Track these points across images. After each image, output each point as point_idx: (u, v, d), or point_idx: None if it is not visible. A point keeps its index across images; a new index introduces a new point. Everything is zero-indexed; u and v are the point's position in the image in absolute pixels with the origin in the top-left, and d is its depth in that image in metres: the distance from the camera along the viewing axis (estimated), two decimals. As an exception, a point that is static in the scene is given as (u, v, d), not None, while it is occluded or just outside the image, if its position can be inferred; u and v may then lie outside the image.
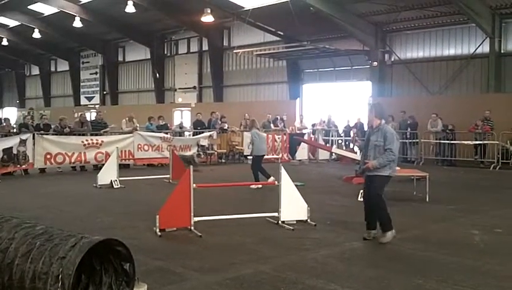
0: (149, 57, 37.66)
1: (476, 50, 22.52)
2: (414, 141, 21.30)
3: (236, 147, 20.93)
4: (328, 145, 22.14)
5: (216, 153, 20.13)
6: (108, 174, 13.26)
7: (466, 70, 22.97)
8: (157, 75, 36.98)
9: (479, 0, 20.95)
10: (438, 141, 20.65)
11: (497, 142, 18.66)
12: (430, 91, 23.94)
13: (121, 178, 13.35)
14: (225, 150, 20.63)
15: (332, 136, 23.73)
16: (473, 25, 21.98)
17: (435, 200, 10.97)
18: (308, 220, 8.71)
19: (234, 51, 29.20)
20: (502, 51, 21.85)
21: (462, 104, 21.02)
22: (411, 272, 6.23)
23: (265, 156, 20.37)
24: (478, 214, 9.99)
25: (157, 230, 7.87)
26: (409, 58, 25.00)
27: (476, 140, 19.30)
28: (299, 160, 20.41)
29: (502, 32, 21.76)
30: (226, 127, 21.16)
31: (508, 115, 19.12)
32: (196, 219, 8.10)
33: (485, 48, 22.08)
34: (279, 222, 8.57)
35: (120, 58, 41.31)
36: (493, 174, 17.30)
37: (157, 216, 7.88)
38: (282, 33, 28.83)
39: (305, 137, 22.18)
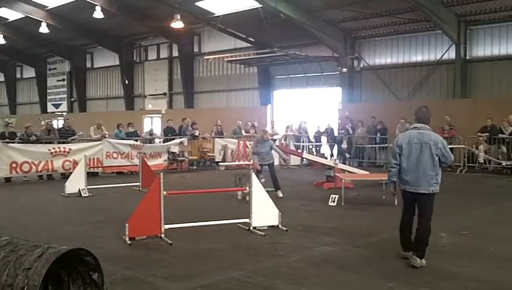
0: (118, 63, 37.33)
1: (442, 56, 22.94)
2: (384, 145, 21.53)
3: (208, 153, 20.85)
4: (299, 151, 22.22)
5: (187, 160, 20.01)
6: (76, 183, 13.05)
7: (433, 76, 23.37)
8: (127, 81, 36.65)
9: (445, 7, 21.35)
10: (406, 146, 20.88)
11: (463, 146, 18.99)
12: (399, 97, 24.27)
13: (89, 187, 13.15)
14: (196, 157, 20.52)
15: (303, 142, 23.83)
16: (440, 31, 22.38)
17: (404, 204, 11.08)
18: (280, 226, 8.73)
19: (205, 57, 29.14)
20: (468, 57, 22.29)
21: (430, 109, 21.30)
22: (381, 275, 6.29)
23: (237, 163, 20.56)
24: (445, 216, 10.12)
25: (127, 239, 7.78)
26: (378, 65, 25.33)
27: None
28: (270, 166, 20.41)
29: (467, 38, 22.21)
30: (197, 134, 21.06)
31: (473, 119, 19.48)
32: (167, 226, 8.04)
33: (451, 55, 22.50)
34: (251, 228, 8.56)
35: (88, 65, 40.84)
36: (460, 178, 17.57)
37: (127, 224, 7.79)
38: (252, 39, 28.91)
39: (277, 143, 22.20)
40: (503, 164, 18.02)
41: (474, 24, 22.11)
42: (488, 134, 18.63)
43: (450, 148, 19.24)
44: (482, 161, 18.77)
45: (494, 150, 18.61)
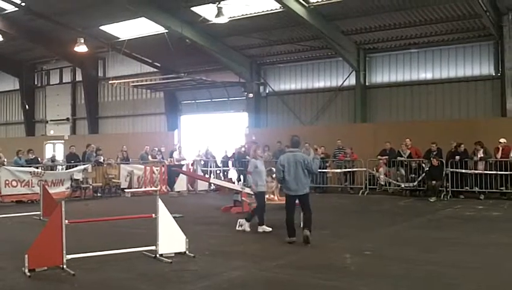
0: (18, 88, 35.90)
1: (343, 82, 23.95)
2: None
3: (113, 180, 20.32)
4: (206, 176, 22.22)
5: (91, 187, 19.39)
6: (-29, 213, 12.29)
7: (335, 102, 24.32)
8: (27, 106, 35.27)
9: (345, 35, 22.38)
10: (310, 169, 21.41)
11: (365, 169, 19.76)
12: (303, 121, 24.99)
13: (-15, 217, 12.42)
14: (101, 184, 19.93)
15: (210, 167, 23.84)
16: (340, 59, 23.41)
17: (310, 226, 11.34)
18: (187, 252, 8.63)
19: (110, 82, 28.63)
20: (367, 84, 23.44)
21: (332, 134, 21.96)
22: (287, 298, 6.38)
23: (144, 189, 20.21)
24: (349, 237, 10.49)
25: (26, 270, 7.39)
26: (283, 90, 26.02)
27: (346, 167, 20.28)
28: (178, 191, 20.27)
29: (366, 65, 23.38)
30: (101, 160, 20.50)
31: (373, 143, 20.36)
32: (69, 256, 7.72)
33: (352, 81, 23.59)
34: (157, 255, 8.41)
35: (-15, 89, 38.88)
36: (361, 200, 18.26)
37: (26, 255, 7.42)
38: (159, 64, 28.80)
39: (184, 168, 22.09)
40: (402, 186, 18.85)
41: (373, 52, 23.35)
42: (387, 157, 19.42)
43: (352, 171, 20.09)
44: (382, 183, 19.50)
45: (394, 172, 19.42)
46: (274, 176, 12.20)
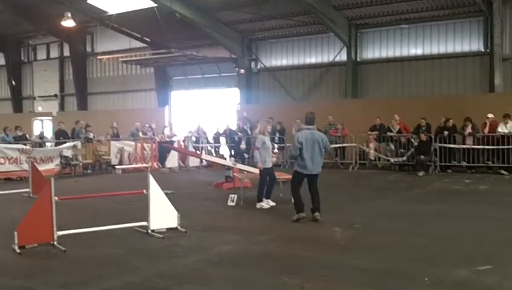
0: (4, 64, 35.51)
1: (334, 58, 23.87)
2: (282, 145, 21.94)
3: (103, 157, 20.23)
4: (198, 152, 22.16)
5: (81, 164, 19.31)
6: (-41, 191, 12.20)
7: (326, 78, 24.27)
8: (14, 82, 34.91)
9: (336, 11, 22.23)
10: (301, 145, 21.44)
11: (355, 144, 19.83)
12: (294, 97, 24.93)
13: (-26, 194, 12.34)
14: (91, 161, 19.85)
15: (202, 143, 23.79)
16: (332, 34, 23.28)
17: (300, 201, 11.38)
18: (179, 227, 8.66)
19: (98, 58, 28.33)
20: (358, 59, 23.36)
21: (323, 110, 21.87)
22: (278, 270, 6.42)
23: (135, 166, 20.12)
24: (339, 211, 10.54)
25: (16, 247, 7.38)
26: (274, 66, 25.91)
27: (336, 143, 20.33)
28: (169, 168, 20.23)
29: (357, 41, 23.28)
30: (91, 136, 20.38)
31: (364, 119, 20.34)
32: (60, 233, 7.71)
33: (343, 56, 23.50)
34: (149, 231, 8.43)
35: (-30, 65, 38.39)
36: (352, 174, 18.37)
37: (16, 232, 7.40)
38: (148, 39, 28.52)
39: (175, 144, 22.03)
40: (392, 161, 18.99)
41: (364, 27, 23.23)
42: (377, 132, 19.51)
43: (343, 146, 20.10)
44: (372, 158, 19.62)
45: (384, 147, 19.52)
46: (276, 151, 12.48)
